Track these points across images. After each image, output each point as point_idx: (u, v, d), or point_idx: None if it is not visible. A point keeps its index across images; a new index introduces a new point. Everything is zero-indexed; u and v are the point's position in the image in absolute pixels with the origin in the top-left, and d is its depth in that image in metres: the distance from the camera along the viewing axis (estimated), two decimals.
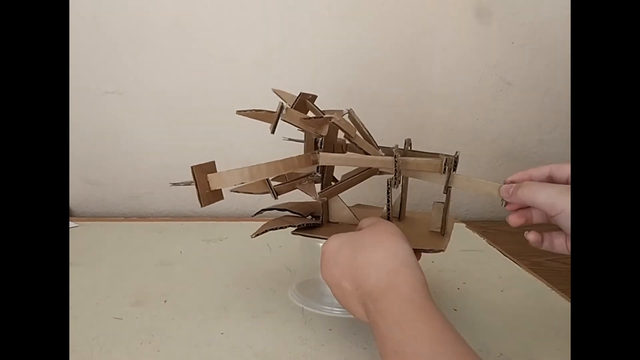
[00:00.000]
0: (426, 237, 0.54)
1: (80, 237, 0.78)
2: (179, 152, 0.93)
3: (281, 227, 0.52)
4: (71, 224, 0.84)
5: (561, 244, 0.47)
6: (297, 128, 0.52)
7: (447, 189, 0.52)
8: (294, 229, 0.53)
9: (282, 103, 0.50)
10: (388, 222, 0.47)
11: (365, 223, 0.48)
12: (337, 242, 0.45)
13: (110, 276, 0.63)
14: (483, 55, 0.96)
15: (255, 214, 0.59)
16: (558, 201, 0.43)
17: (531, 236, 0.48)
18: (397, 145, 0.56)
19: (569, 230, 0.44)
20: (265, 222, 0.54)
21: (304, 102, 0.55)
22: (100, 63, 0.89)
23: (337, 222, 0.56)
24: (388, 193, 0.54)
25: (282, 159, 0.50)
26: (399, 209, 0.59)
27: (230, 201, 0.97)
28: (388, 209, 0.55)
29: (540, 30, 0.95)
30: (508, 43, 0.95)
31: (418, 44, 0.94)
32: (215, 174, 0.48)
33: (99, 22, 0.87)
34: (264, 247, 0.75)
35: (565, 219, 0.42)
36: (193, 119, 0.92)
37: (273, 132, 0.51)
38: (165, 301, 0.57)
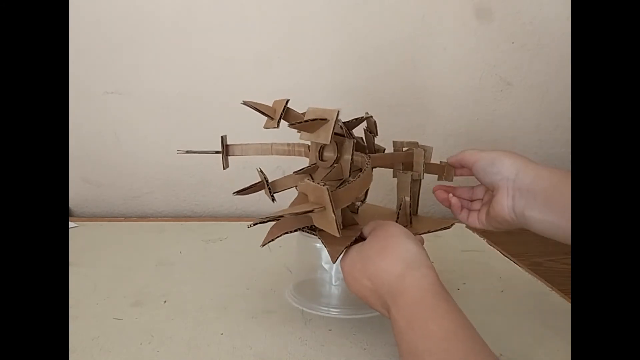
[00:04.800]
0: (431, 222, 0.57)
1: (80, 237, 0.78)
2: None
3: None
4: (71, 224, 0.84)
5: (474, 220, 0.55)
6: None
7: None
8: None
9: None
10: (389, 222, 0.47)
11: (367, 230, 0.48)
12: (349, 259, 0.46)
13: (110, 276, 0.63)
14: (483, 55, 0.96)
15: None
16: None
17: (454, 200, 0.56)
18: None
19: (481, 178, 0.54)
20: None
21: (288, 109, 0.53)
22: (100, 63, 0.89)
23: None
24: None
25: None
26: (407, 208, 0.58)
27: (231, 201, 0.97)
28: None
29: (540, 30, 0.95)
30: (508, 43, 0.95)
31: (418, 44, 0.94)
32: None
33: (99, 22, 0.87)
34: (263, 247, 0.74)
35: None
36: (193, 119, 0.92)
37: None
38: (165, 301, 0.57)
